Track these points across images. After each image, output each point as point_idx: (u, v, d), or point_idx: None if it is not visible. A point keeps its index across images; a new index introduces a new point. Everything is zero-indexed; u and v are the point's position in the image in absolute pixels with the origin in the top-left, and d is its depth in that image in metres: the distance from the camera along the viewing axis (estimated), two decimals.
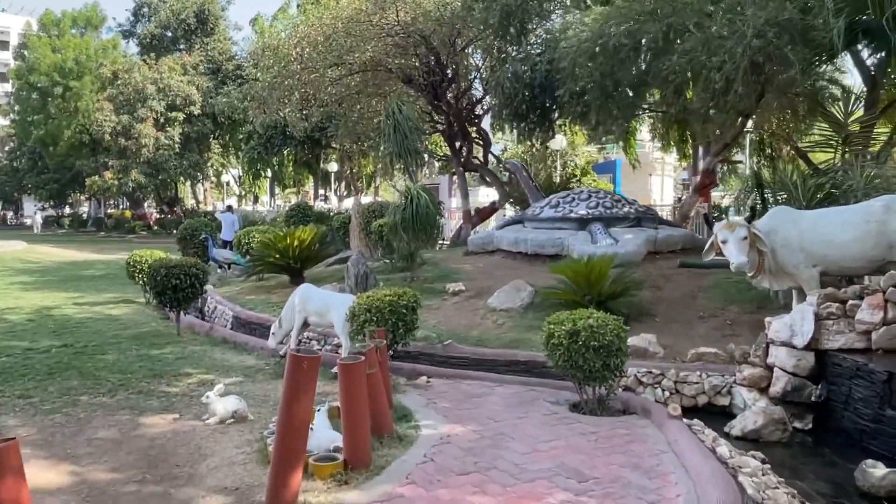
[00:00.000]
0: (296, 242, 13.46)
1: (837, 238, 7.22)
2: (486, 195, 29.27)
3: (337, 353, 8.70)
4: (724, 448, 5.33)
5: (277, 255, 13.53)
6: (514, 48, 17.57)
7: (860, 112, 13.07)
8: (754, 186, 10.29)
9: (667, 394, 7.52)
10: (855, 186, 9.78)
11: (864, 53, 14.14)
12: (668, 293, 9.93)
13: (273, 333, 8.54)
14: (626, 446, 5.45)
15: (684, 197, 21.71)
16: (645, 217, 12.87)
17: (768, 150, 18.60)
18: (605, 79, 12.13)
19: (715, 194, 21.95)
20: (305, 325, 8.50)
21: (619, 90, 12.41)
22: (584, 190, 13.75)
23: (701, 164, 20.97)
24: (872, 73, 13.56)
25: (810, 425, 6.82)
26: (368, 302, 7.49)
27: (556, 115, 17.35)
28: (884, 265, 7.26)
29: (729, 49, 9.28)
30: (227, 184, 55.48)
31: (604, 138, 20.88)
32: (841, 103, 13.14)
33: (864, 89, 13.54)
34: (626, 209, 12.86)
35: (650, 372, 7.57)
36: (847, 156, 12.24)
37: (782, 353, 7.03)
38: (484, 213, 21.29)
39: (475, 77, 21.11)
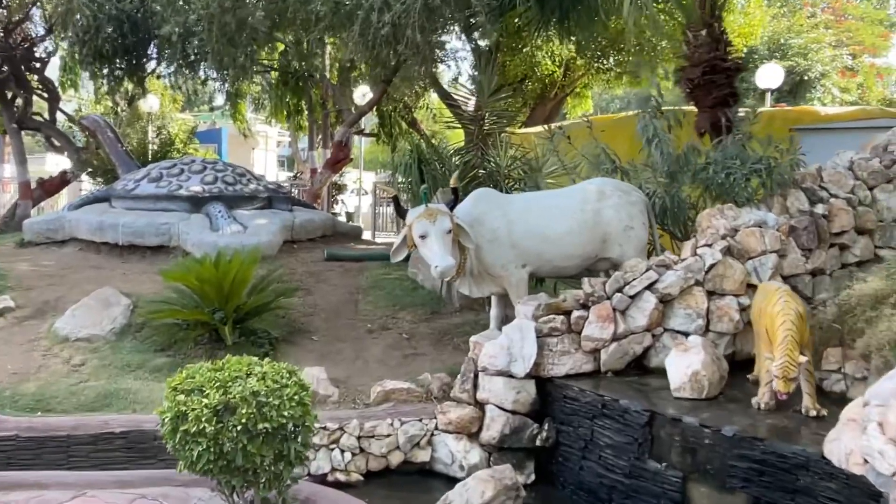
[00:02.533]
0: None
1: (552, 230, 5.72)
2: (56, 164, 23.31)
3: None
4: None
5: None
6: None
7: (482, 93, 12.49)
8: (415, 162, 8.55)
9: (349, 456, 5.21)
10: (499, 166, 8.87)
11: (478, 36, 13.80)
12: (323, 298, 7.64)
13: None
14: None
15: (302, 174, 19.70)
16: (277, 197, 10.35)
17: (388, 126, 17.60)
18: (226, 15, 9.22)
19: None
20: None
21: (245, 33, 9.61)
22: (196, 159, 10.61)
23: (303, 142, 19.27)
24: (486, 55, 13.18)
25: (533, 476, 5.21)
26: None
27: (154, 63, 13.71)
28: (595, 263, 6.01)
29: None
30: None
31: (213, 101, 17.73)
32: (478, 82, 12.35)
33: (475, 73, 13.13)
34: (252, 186, 10.16)
35: (324, 428, 5.16)
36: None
37: (498, 384, 5.27)
38: (52, 186, 16.28)
39: (34, 4, 15.88)
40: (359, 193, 23.24)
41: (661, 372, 5.32)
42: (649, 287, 5.45)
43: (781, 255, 5.81)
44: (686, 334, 5.43)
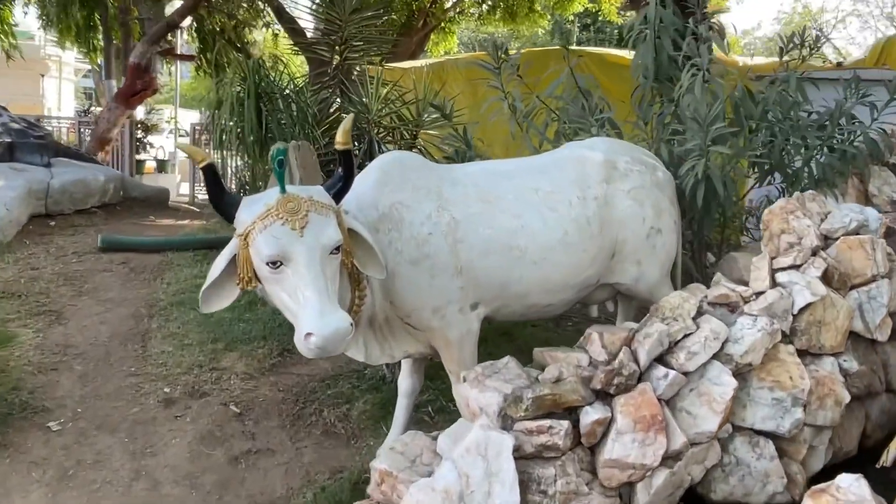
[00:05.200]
0: None
1: (531, 237, 2.94)
2: None
3: None
4: None
5: None
6: None
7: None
8: (251, 97, 5.40)
9: None
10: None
11: None
12: (84, 330, 4.37)
13: None
14: None
15: (99, 109, 15.28)
16: (24, 143, 6.65)
17: (212, 52, 13.79)
18: None
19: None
20: None
21: None
22: None
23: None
24: None
25: None
26: None
27: None
28: (589, 296, 3.34)
29: None
30: None
31: None
32: None
33: None
34: None
35: None
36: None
37: None
38: None
39: None
40: (175, 136, 18.98)
41: None
42: (716, 353, 2.89)
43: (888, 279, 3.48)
44: (772, 436, 2.96)
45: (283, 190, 2.37)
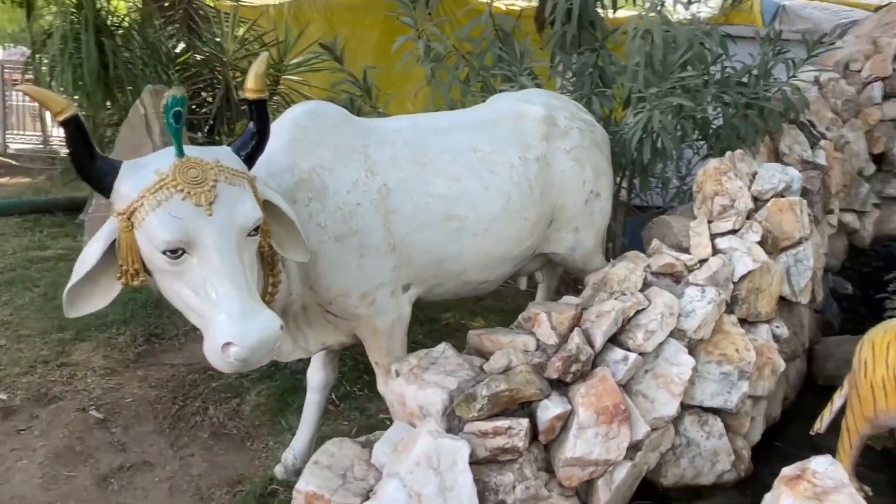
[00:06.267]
0: None
1: (471, 206, 2.52)
2: None
3: None
4: None
5: None
6: None
7: None
8: (88, 30, 4.45)
9: None
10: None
11: None
12: None
13: None
14: None
15: None
16: None
17: None
18: None
19: None
20: None
21: None
22: None
23: None
24: None
25: None
26: None
27: None
28: (522, 270, 3.00)
29: None
30: None
31: None
32: None
33: None
34: None
35: None
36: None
37: None
38: None
39: None
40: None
41: (684, 493, 2.70)
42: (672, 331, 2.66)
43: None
44: (719, 412, 2.81)
45: (180, 152, 1.77)
